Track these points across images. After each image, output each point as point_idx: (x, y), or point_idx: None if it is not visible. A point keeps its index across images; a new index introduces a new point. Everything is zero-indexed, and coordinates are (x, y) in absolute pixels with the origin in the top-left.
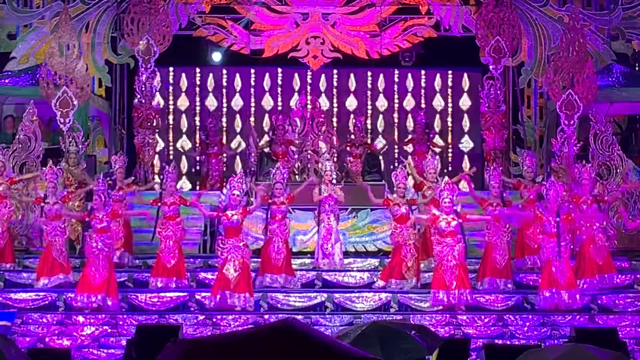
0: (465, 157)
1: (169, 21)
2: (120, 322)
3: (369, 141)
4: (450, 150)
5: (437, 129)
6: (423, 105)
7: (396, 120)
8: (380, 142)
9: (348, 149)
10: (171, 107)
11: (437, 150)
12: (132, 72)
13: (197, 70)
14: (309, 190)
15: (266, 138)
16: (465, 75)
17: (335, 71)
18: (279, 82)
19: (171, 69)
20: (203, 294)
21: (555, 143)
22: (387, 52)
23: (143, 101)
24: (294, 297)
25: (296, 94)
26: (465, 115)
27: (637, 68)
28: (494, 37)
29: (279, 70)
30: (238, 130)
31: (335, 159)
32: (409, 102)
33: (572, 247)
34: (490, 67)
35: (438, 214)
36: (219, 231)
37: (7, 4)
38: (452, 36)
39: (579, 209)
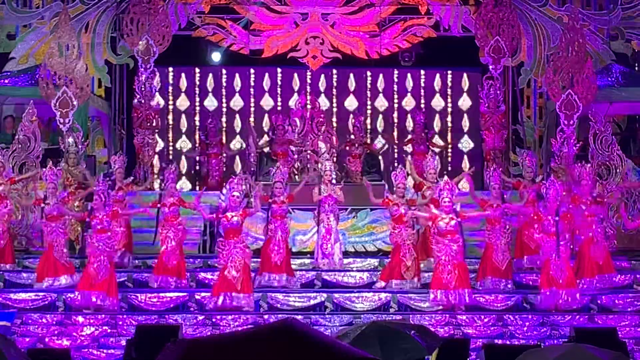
0: (465, 157)
1: (169, 21)
2: (120, 322)
3: (368, 141)
4: (449, 150)
5: (436, 129)
6: (423, 106)
7: (396, 121)
8: (379, 142)
9: (347, 148)
10: (171, 107)
11: (437, 150)
12: (132, 73)
13: (197, 70)
14: (308, 190)
15: (266, 138)
16: (465, 75)
17: (334, 71)
18: (279, 82)
19: (171, 69)
20: (203, 294)
21: (555, 143)
22: (386, 52)
23: (142, 101)
24: (293, 297)
25: (296, 94)
26: (465, 115)
27: (636, 68)
28: (493, 37)
29: (279, 70)
30: (238, 130)
31: (334, 159)
32: (408, 102)
33: (572, 247)
34: (490, 67)
35: (437, 213)
36: (218, 231)
37: (7, 4)
38: (452, 36)
39: (578, 209)
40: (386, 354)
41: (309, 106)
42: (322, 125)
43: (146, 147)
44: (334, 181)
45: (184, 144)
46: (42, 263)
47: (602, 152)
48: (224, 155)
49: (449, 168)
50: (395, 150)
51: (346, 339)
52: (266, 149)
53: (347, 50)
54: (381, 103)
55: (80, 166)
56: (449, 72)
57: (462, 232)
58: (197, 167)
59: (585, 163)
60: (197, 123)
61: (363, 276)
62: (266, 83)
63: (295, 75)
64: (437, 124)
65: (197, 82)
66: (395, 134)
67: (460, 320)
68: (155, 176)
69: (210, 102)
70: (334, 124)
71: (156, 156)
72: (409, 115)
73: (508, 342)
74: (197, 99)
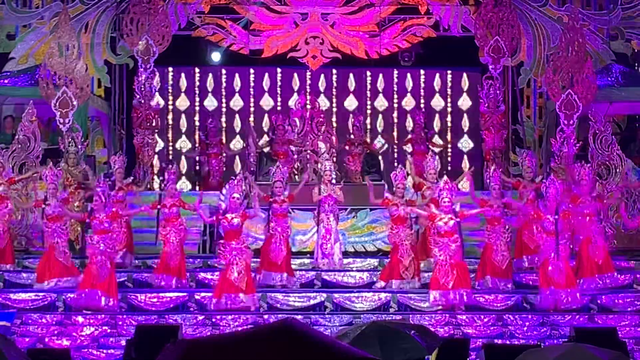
0: (465, 157)
1: (168, 21)
2: (120, 323)
3: (368, 140)
4: (449, 150)
5: (436, 129)
6: (422, 106)
7: (395, 120)
8: (379, 142)
9: (347, 148)
10: (170, 107)
11: (437, 150)
12: (132, 73)
13: (197, 70)
14: (308, 190)
15: (266, 138)
16: (465, 75)
17: (334, 71)
18: (279, 82)
19: (170, 69)
20: (203, 294)
21: (555, 143)
22: (386, 52)
23: (142, 101)
24: (293, 297)
25: (295, 94)
26: (465, 115)
27: (636, 68)
28: (493, 37)
29: (278, 70)
30: (237, 130)
31: (334, 159)
32: (408, 102)
33: (572, 247)
34: (490, 67)
35: (437, 213)
36: (218, 232)
37: (6, 4)
38: (452, 36)
39: (577, 209)
40: (386, 353)
41: (308, 106)
42: (322, 125)
43: (146, 147)
44: (333, 181)
45: (183, 144)
46: (42, 264)
47: (602, 152)
48: (224, 155)
49: (449, 168)
50: (395, 150)
51: (346, 339)
52: (266, 149)
53: (346, 50)
54: (381, 103)
55: (80, 165)
56: (449, 72)
57: (460, 231)
58: (197, 167)
59: (585, 163)
60: (197, 123)
61: (363, 276)
62: (266, 83)
63: (295, 75)
64: (437, 124)
65: (197, 82)
66: (395, 134)
67: (460, 320)
68: (155, 176)
69: (210, 102)
70: (334, 124)
71: (156, 156)
72: (408, 115)
73: (508, 342)
74: (197, 99)
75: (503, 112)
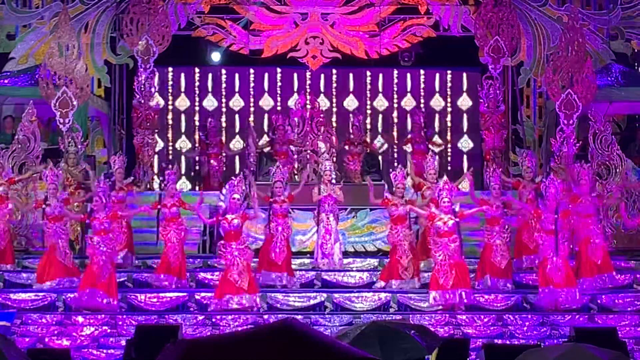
0: (465, 156)
1: (168, 21)
2: (120, 323)
3: (368, 140)
4: (449, 150)
5: (436, 129)
6: (422, 106)
7: (395, 120)
8: (378, 142)
9: (347, 147)
10: (170, 107)
11: (437, 149)
12: (131, 73)
13: (196, 70)
14: (308, 190)
15: (266, 138)
16: (465, 75)
17: (334, 71)
18: (278, 82)
19: (170, 69)
20: (203, 294)
21: (555, 143)
22: (386, 52)
23: (142, 101)
24: (293, 297)
25: (295, 94)
26: (465, 115)
27: (636, 67)
28: (493, 37)
29: (278, 70)
30: (237, 130)
31: (334, 159)
32: (408, 102)
33: (572, 247)
34: (490, 66)
35: (436, 213)
36: (218, 232)
37: (6, 4)
38: (451, 36)
39: (577, 209)
40: (386, 353)
41: (308, 106)
42: (322, 125)
43: (146, 147)
44: (333, 181)
45: (183, 144)
46: (43, 264)
47: (602, 152)
48: (224, 155)
49: (449, 168)
50: (395, 150)
51: (346, 339)
52: (267, 149)
53: (346, 50)
54: (381, 103)
55: (80, 165)
56: (449, 71)
57: (459, 231)
58: (197, 167)
59: (585, 163)
60: (197, 123)
61: (363, 276)
62: (266, 83)
63: (295, 75)
64: (436, 124)
65: (197, 82)
66: (395, 133)
67: (460, 320)
68: (155, 176)
69: (210, 102)
70: (334, 124)
71: (156, 156)
72: (408, 115)
73: (508, 342)
74: (197, 99)
75: (503, 112)
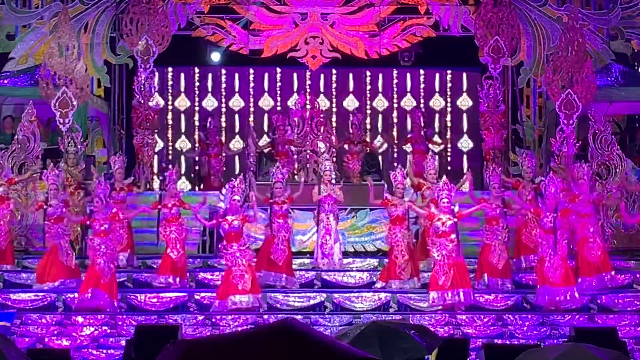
0: (465, 156)
1: (168, 21)
2: (120, 323)
3: (367, 139)
4: (449, 150)
5: (436, 129)
6: (422, 105)
7: (395, 120)
8: (378, 142)
9: (346, 146)
10: (170, 107)
11: (437, 149)
12: (131, 73)
13: (196, 70)
14: (308, 190)
15: (266, 139)
16: (464, 75)
17: (334, 71)
18: (278, 82)
19: (170, 69)
20: (202, 294)
21: (555, 143)
22: (386, 52)
23: (142, 101)
24: (293, 297)
25: (295, 94)
26: (465, 115)
27: (636, 67)
28: (492, 37)
29: (278, 70)
30: (237, 130)
31: (334, 159)
32: (407, 102)
33: (572, 247)
34: (489, 66)
35: (436, 213)
36: (219, 232)
37: (6, 4)
38: (451, 36)
39: (576, 208)
40: (386, 353)
41: (308, 106)
42: (322, 125)
43: (145, 147)
44: (333, 181)
45: (183, 144)
46: (43, 264)
47: (602, 152)
48: (224, 155)
49: (449, 168)
50: (395, 150)
51: (346, 339)
52: (267, 150)
53: (346, 50)
54: (381, 103)
55: (80, 165)
56: (449, 71)
57: (457, 231)
58: (197, 168)
59: (584, 163)
60: (197, 123)
61: (363, 276)
62: (266, 83)
63: (295, 75)
64: (436, 124)
65: (197, 82)
66: (394, 133)
67: (460, 320)
68: (155, 176)
69: (210, 102)
70: (334, 124)
71: (155, 156)
72: (408, 115)
73: (508, 342)
74: (197, 99)
75: (503, 112)
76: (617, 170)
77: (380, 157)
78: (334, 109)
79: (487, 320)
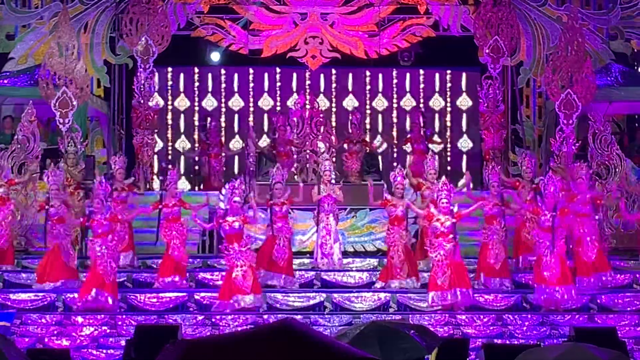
0: (464, 156)
1: (168, 21)
2: (119, 323)
3: (367, 139)
4: (449, 149)
5: (436, 129)
6: (422, 105)
7: (395, 120)
8: (377, 141)
9: (345, 146)
10: (170, 107)
11: (436, 149)
12: (131, 73)
13: (196, 70)
14: (308, 190)
15: (266, 139)
16: (464, 74)
17: (333, 71)
18: (278, 82)
19: (170, 69)
20: (202, 294)
21: (554, 142)
22: (385, 52)
23: (142, 101)
24: (292, 297)
25: (295, 94)
26: (464, 114)
27: (635, 67)
28: (492, 37)
29: (278, 70)
30: (236, 130)
31: (334, 159)
32: (407, 102)
33: (571, 246)
34: (489, 66)
35: (435, 213)
36: (219, 232)
37: (6, 4)
38: (451, 36)
39: (574, 208)
40: (385, 353)
41: (308, 106)
42: (321, 125)
43: (145, 147)
44: (333, 181)
45: (183, 144)
46: (44, 264)
47: (602, 152)
48: (224, 155)
49: (449, 168)
50: (395, 150)
51: (345, 339)
52: (267, 151)
53: (346, 50)
54: (380, 103)
55: (80, 165)
56: (448, 71)
57: (456, 231)
58: (197, 168)
59: (583, 163)
60: (197, 123)
61: (362, 276)
62: (265, 83)
63: (295, 75)
64: (436, 124)
65: (196, 82)
66: (394, 133)
67: (459, 319)
68: (155, 176)
69: (210, 102)
70: (333, 124)
71: (155, 156)
72: (408, 115)
73: (507, 342)
74: (196, 99)
75: (502, 111)
76: (617, 170)
77: (380, 157)
78: (334, 109)
79: (487, 320)
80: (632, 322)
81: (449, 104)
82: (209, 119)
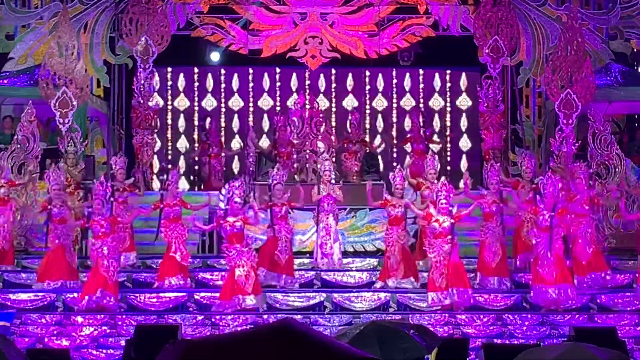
0: (464, 156)
1: (167, 21)
2: (119, 323)
3: (367, 138)
4: (449, 149)
5: (435, 129)
6: (421, 105)
7: (395, 120)
8: (376, 141)
9: (345, 145)
10: (169, 107)
11: (436, 148)
12: (131, 73)
13: (196, 70)
14: (308, 190)
15: (266, 139)
16: (464, 74)
17: (333, 71)
18: (277, 82)
19: (169, 69)
20: (202, 294)
21: (554, 142)
22: (385, 52)
23: (141, 101)
24: (292, 297)
25: (294, 94)
26: (464, 114)
27: (635, 67)
28: (492, 37)
29: (277, 70)
30: (236, 130)
31: (333, 159)
32: (407, 102)
33: (570, 246)
34: (489, 66)
35: (434, 213)
36: (219, 232)
37: (5, 4)
38: (451, 36)
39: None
40: (385, 353)
41: (307, 106)
42: (321, 125)
43: (145, 147)
44: (332, 181)
45: (183, 143)
46: (45, 264)
47: (601, 152)
48: (223, 155)
49: (448, 168)
50: (395, 150)
51: (345, 339)
52: (269, 152)
53: (346, 50)
54: (380, 103)
55: (80, 165)
56: (448, 71)
57: (454, 232)
58: (197, 168)
59: (583, 162)
60: (196, 123)
61: (362, 276)
62: (265, 83)
63: (294, 75)
64: (436, 124)
65: (196, 82)
66: (394, 133)
67: (459, 319)
68: (155, 176)
69: (209, 102)
70: (333, 124)
71: (155, 156)
72: (407, 115)
73: (507, 342)
74: (196, 99)
75: (502, 111)
76: (617, 170)
77: (379, 157)
78: (334, 109)
79: (487, 320)
80: (632, 322)
81: (448, 104)
82: (208, 119)
